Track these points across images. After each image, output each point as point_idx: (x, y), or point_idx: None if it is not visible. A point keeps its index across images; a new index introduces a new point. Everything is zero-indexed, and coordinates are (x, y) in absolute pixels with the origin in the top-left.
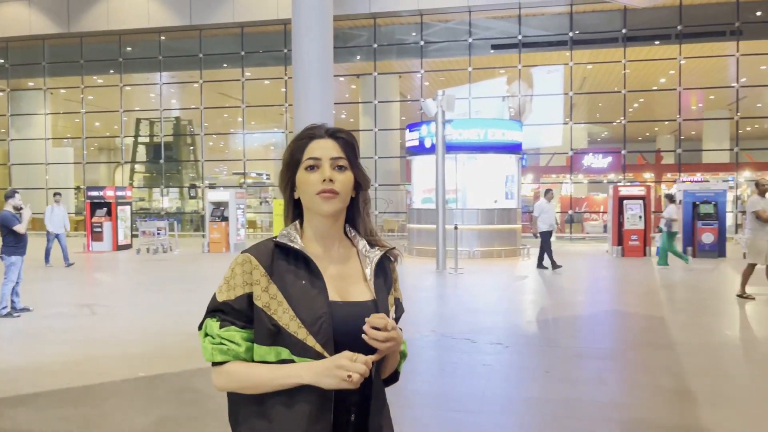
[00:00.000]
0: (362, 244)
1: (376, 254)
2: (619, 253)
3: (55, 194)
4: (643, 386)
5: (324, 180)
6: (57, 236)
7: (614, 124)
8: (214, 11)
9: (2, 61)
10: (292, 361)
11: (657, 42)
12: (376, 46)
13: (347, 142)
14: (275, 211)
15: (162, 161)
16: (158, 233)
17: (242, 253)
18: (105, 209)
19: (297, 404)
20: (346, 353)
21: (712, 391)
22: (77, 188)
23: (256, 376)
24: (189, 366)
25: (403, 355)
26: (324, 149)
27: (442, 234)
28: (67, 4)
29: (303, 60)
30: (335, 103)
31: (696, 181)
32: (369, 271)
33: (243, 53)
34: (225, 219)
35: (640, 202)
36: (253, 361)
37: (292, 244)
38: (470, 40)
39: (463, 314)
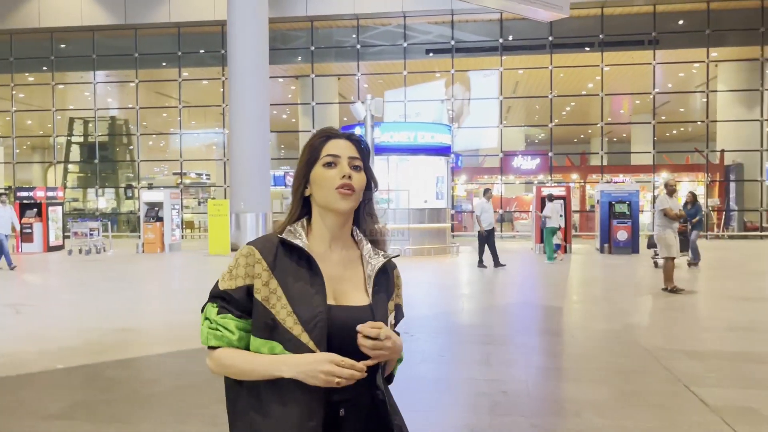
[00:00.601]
0: (367, 248)
1: (379, 261)
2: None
3: (0, 194)
4: (519, 365)
5: (343, 176)
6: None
7: (547, 127)
8: (150, 11)
9: None
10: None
11: (587, 49)
12: (313, 48)
13: (362, 144)
14: (209, 211)
15: (97, 161)
16: (91, 234)
17: (247, 245)
18: (35, 210)
19: (290, 402)
20: (333, 357)
21: (576, 369)
22: (8, 188)
23: (242, 363)
24: (106, 359)
25: (399, 359)
26: (342, 148)
27: None
28: None
29: (238, 61)
30: (276, 104)
31: (615, 182)
32: (370, 277)
33: (180, 53)
34: (160, 219)
35: (561, 201)
36: (246, 350)
37: (296, 241)
38: (405, 44)
39: None
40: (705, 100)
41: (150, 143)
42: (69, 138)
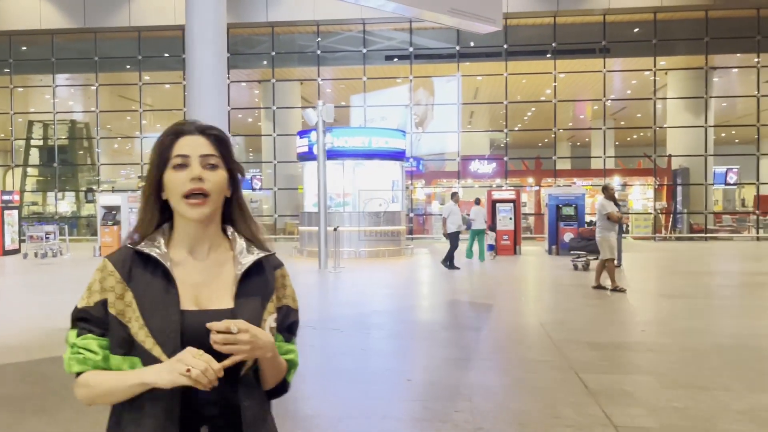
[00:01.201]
0: (240, 248)
1: (249, 259)
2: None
3: None
4: (430, 357)
5: (192, 179)
6: None
7: (503, 132)
8: (109, 15)
9: None
10: None
11: (547, 56)
12: (274, 53)
13: (219, 138)
14: None
15: (56, 164)
16: (47, 237)
17: (104, 258)
18: None
19: (144, 419)
20: (190, 349)
21: (484, 360)
22: None
23: (107, 382)
24: (42, 356)
25: (292, 365)
26: (193, 146)
27: (324, 235)
28: None
29: (197, 65)
30: (240, 108)
31: (561, 186)
32: (237, 278)
33: (140, 57)
34: (117, 223)
35: (511, 204)
36: (108, 368)
37: (146, 250)
38: (365, 50)
39: (320, 305)
40: (655, 107)
41: (115, 146)
42: (28, 141)
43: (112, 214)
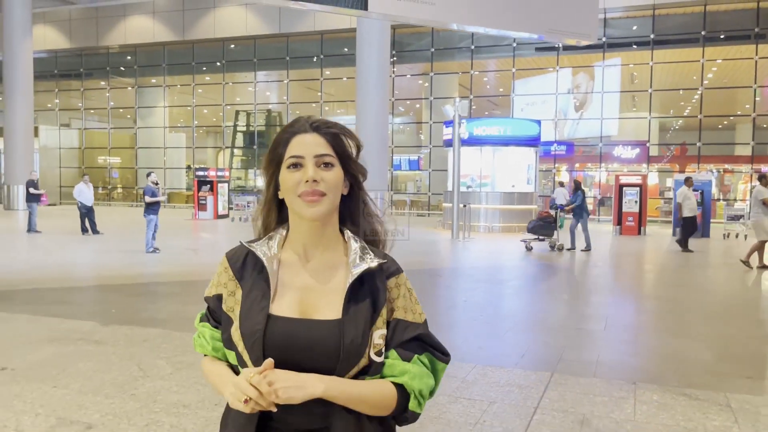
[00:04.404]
0: (354, 253)
1: (360, 267)
2: (618, 232)
3: (84, 175)
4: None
5: (307, 181)
6: (89, 208)
7: (646, 119)
8: (299, 21)
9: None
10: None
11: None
12: (433, 50)
13: (334, 135)
14: None
15: (255, 147)
16: (248, 206)
17: (225, 253)
18: (208, 186)
19: (232, 419)
20: (246, 372)
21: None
22: (188, 167)
23: (209, 377)
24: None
25: (409, 389)
26: (307, 145)
27: (456, 211)
28: (184, 15)
29: (364, 62)
30: (401, 99)
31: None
32: (347, 286)
33: (322, 56)
34: None
35: (637, 189)
36: (225, 359)
37: (254, 249)
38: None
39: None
40: None
41: None
42: (235, 127)
43: None
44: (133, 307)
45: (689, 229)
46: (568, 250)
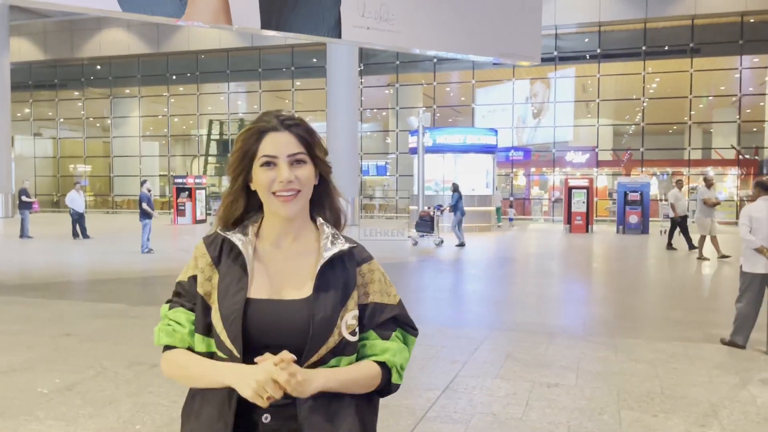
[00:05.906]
0: (326, 238)
1: (331, 251)
2: (568, 230)
3: (75, 183)
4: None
5: (281, 181)
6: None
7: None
8: (267, 37)
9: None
10: (216, 354)
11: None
12: (398, 62)
13: (305, 131)
14: None
15: (229, 154)
16: None
17: (201, 238)
18: (186, 192)
19: (205, 405)
20: (269, 364)
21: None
22: (161, 175)
23: (193, 368)
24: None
25: (391, 365)
26: (280, 145)
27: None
28: (158, 29)
29: (333, 74)
30: (369, 108)
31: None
32: (317, 269)
33: (293, 68)
34: None
35: (584, 191)
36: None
37: (232, 238)
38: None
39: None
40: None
41: None
42: (209, 136)
43: None
44: (149, 293)
45: (684, 228)
46: (457, 246)
